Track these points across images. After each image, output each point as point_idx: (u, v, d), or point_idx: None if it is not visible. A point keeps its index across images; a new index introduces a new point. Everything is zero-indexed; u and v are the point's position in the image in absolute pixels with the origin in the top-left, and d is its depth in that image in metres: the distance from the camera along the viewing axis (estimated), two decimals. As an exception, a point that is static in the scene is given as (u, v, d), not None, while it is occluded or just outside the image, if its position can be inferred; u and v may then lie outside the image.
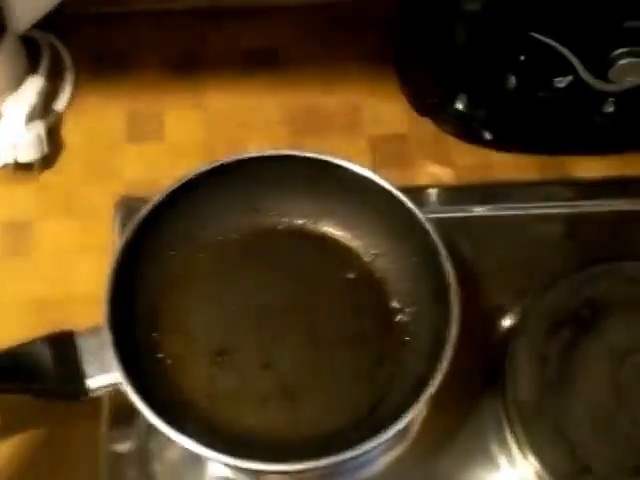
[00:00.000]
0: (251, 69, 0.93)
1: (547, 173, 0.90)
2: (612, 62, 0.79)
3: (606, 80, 0.80)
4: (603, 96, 0.83)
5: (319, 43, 0.96)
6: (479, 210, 0.88)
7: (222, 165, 0.77)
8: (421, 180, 0.89)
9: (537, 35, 0.77)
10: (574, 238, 0.88)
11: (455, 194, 0.89)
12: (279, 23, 0.97)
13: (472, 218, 0.87)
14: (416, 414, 0.66)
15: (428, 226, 0.74)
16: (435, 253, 0.73)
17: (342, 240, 0.81)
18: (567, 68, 0.80)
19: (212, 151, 0.87)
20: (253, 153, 0.78)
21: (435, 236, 0.74)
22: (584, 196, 0.89)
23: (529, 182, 0.90)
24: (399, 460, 0.73)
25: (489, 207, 0.88)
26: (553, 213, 0.88)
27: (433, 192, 0.89)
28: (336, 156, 0.78)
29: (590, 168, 0.91)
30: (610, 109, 0.83)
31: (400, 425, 0.66)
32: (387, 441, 0.66)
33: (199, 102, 0.91)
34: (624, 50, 0.78)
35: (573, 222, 0.88)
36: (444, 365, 0.67)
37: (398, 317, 0.77)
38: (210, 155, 0.86)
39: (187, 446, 0.64)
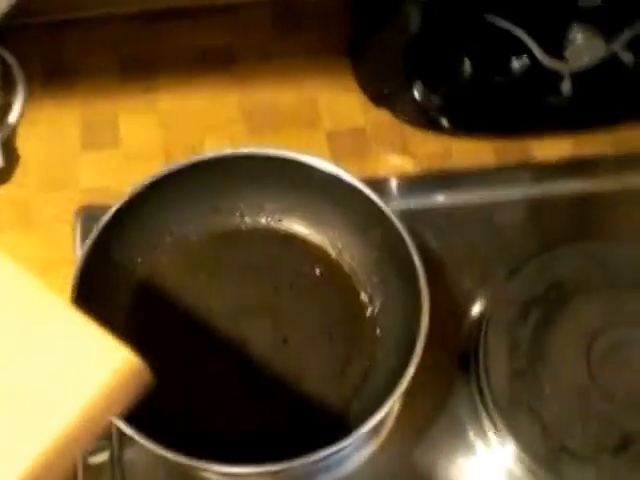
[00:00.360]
0: (203, 68, 0.92)
1: (506, 157, 0.90)
2: (568, 42, 0.79)
3: (562, 60, 0.80)
4: (559, 76, 0.83)
5: (270, 39, 0.95)
6: (440, 199, 0.87)
7: (182, 167, 0.76)
8: (381, 171, 0.89)
9: (491, 18, 0.77)
10: (535, 221, 0.88)
11: (416, 184, 0.89)
12: (229, 21, 0.96)
13: (434, 207, 0.87)
14: (391, 407, 0.66)
15: (393, 217, 0.74)
16: (401, 243, 0.73)
17: (307, 236, 0.81)
18: (523, 50, 0.80)
19: (170, 154, 0.86)
20: (212, 154, 0.77)
21: (400, 226, 0.74)
22: (543, 179, 0.90)
23: (489, 168, 0.89)
24: (377, 452, 0.73)
25: (450, 195, 0.88)
26: (513, 197, 0.88)
27: (394, 183, 0.88)
28: (296, 152, 0.77)
29: (549, 149, 0.91)
30: (566, 89, 0.83)
31: (374, 421, 0.65)
32: (363, 436, 0.66)
33: (153, 105, 0.90)
34: (579, 29, 0.79)
35: (534, 205, 0.88)
36: (416, 358, 0.67)
37: (368, 310, 0.77)
38: (168, 158, 0.86)
39: (161, 453, 0.64)
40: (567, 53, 0.79)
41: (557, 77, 0.83)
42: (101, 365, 0.44)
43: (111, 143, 0.87)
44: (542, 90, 0.85)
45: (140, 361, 0.45)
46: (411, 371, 0.66)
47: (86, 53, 0.91)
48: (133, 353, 0.45)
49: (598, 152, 0.91)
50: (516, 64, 0.82)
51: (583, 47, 0.78)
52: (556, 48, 0.80)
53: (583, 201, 0.89)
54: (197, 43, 0.93)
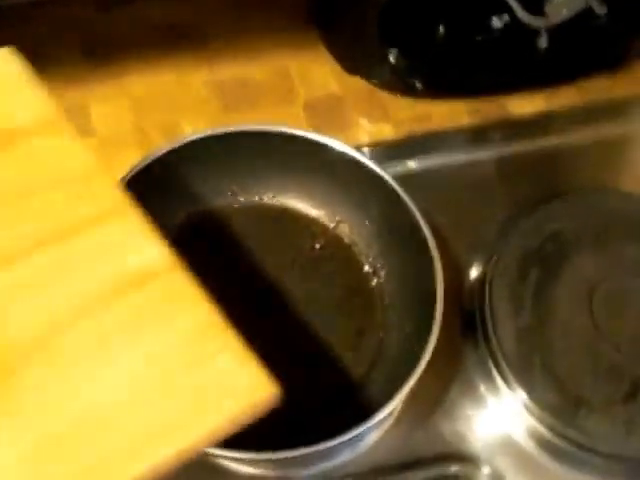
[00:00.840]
0: (171, 48, 0.88)
1: (483, 116, 0.90)
2: (549, -3, 0.79)
3: (541, 16, 0.80)
4: (537, 31, 0.82)
5: (236, 14, 0.91)
6: (423, 162, 0.87)
7: (168, 152, 0.73)
8: (361, 139, 0.88)
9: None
10: (517, 177, 0.88)
11: (397, 149, 0.88)
12: (191, -1, 0.93)
13: (418, 171, 0.87)
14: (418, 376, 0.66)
15: (391, 182, 0.73)
16: (402, 208, 0.72)
17: (304, 211, 0.79)
18: (503, 7, 0.79)
19: (146, 138, 0.83)
20: (197, 134, 0.74)
21: (400, 191, 0.73)
22: (520, 135, 0.90)
23: (467, 127, 0.90)
24: (397, 421, 0.73)
25: (432, 158, 0.87)
26: (494, 155, 0.89)
27: (373, 150, 0.87)
28: (282, 125, 0.76)
29: (524, 105, 0.91)
30: (544, 44, 0.83)
31: (403, 394, 0.65)
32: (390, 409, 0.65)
33: (123, 89, 0.86)
34: (560, -18, 0.79)
35: (514, 161, 0.89)
36: (437, 323, 0.67)
37: (374, 281, 0.77)
38: (145, 143, 0.83)
39: None
40: (547, 8, 0.79)
41: (534, 33, 0.83)
42: (244, 396, 0.44)
43: (84, 132, 0.83)
44: (520, 46, 0.85)
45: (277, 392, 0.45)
46: (434, 338, 0.66)
47: (49, 39, 0.87)
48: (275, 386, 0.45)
49: (569, 105, 0.92)
50: (493, 23, 0.81)
51: (563, 1, 0.79)
52: (535, 4, 0.80)
53: (557, 153, 0.90)
54: (161, 23, 0.89)
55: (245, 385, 0.45)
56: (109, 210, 0.48)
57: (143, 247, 0.47)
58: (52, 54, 0.86)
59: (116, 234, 0.47)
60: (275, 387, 0.45)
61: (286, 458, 0.67)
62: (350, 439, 0.64)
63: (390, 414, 0.72)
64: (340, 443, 0.64)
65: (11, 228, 0.45)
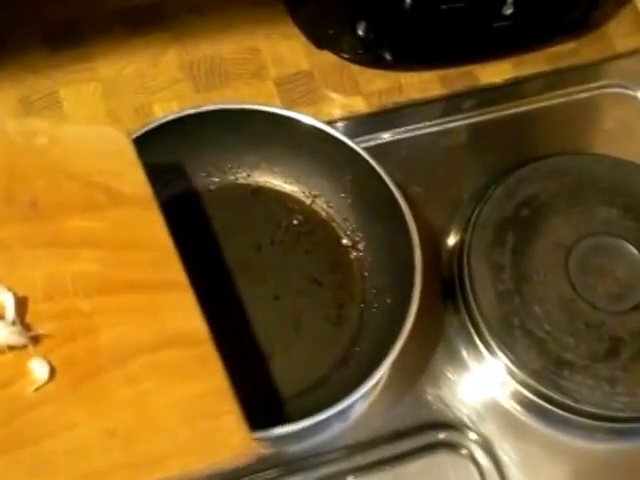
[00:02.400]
0: (138, 29, 0.88)
1: (453, 85, 0.91)
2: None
3: (508, -19, 0.81)
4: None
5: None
6: (396, 133, 0.87)
7: (140, 135, 0.72)
8: (334, 113, 0.88)
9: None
10: (488, 144, 0.89)
11: (367, 122, 0.88)
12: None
13: (391, 142, 0.87)
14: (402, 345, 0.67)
15: (365, 155, 0.74)
16: (377, 180, 0.73)
17: (279, 188, 0.80)
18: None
19: (119, 121, 0.82)
20: (169, 116, 0.74)
21: (374, 163, 0.74)
22: (490, 102, 0.91)
23: (438, 97, 0.90)
24: (383, 390, 0.74)
25: (405, 129, 0.88)
26: (464, 123, 0.90)
27: (346, 124, 0.87)
28: (252, 103, 0.76)
29: (492, 73, 0.92)
30: (509, 11, 0.84)
31: (386, 365, 0.66)
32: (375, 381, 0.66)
33: (92, 73, 0.85)
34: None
35: (484, 129, 0.90)
36: (417, 293, 0.68)
37: (353, 254, 0.77)
38: (117, 126, 0.82)
39: None
40: (513, -27, 0.79)
41: (498, 1, 0.83)
42: (235, 449, 0.57)
43: (55, 118, 0.83)
44: (484, 16, 0.85)
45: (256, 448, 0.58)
46: (415, 307, 0.67)
47: (12, 27, 0.86)
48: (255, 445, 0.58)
49: (537, 71, 0.93)
50: (460, -10, 0.81)
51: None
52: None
53: (527, 119, 0.91)
54: (122, 4, 0.89)
55: (238, 442, 0.57)
56: (174, 281, 0.62)
57: (190, 317, 0.60)
58: (16, 41, 0.85)
59: (174, 300, 0.61)
60: (255, 446, 0.58)
61: (276, 435, 0.68)
62: (339, 411, 0.65)
63: (376, 385, 0.73)
64: (329, 416, 0.65)
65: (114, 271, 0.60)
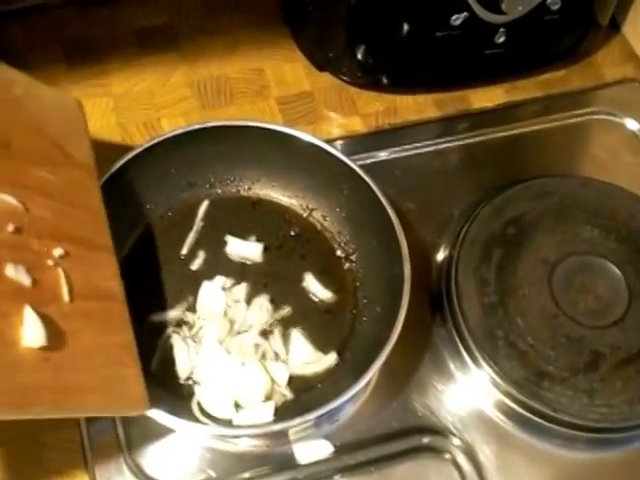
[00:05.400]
0: (149, 48, 0.93)
1: (446, 108, 0.95)
2: (504, -6, 0.84)
3: (499, 12, 0.85)
4: (495, 27, 0.87)
5: (206, 15, 0.96)
6: (390, 153, 0.91)
7: (148, 147, 0.77)
8: (333, 132, 0.92)
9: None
10: (479, 165, 0.93)
11: (366, 141, 0.92)
12: (162, 1, 0.97)
13: (385, 161, 0.91)
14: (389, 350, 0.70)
15: (360, 172, 0.78)
16: (370, 196, 0.77)
17: (278, 200, 0.84)
18: (462, 6, 0.84)
19: (129, 136, 0.87)
20: (176, 131, 0.78)
21: (369, 180, 0.78)
22: (481, 126, 0.95)
23: (431, 119, 0.94)
24: (371, 395, 0.77)
25: (398, 149, 0.92)
26: (456, 145, 0.94)
27: (343, 142, 0.92)
28: (255, 120, 0.80)
29: (485, 98, 0.96)
30: (502, 39, 0.88)
31: (373, 370, 0.69)
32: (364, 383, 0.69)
33: (106, 89, 0.90)
34: (514, -20, 0.83)
35: (475, 150, 0.94)
36: (405, 304, 0.71)
37: (346, 265, 0.81)
38: (127, 139, 0.87)
39: (172, 423, 0.67)
40: (504, 5, 0.84)
41: (492, 28, 0.87)
42: (130, 397, 0.66)
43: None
44: (479, 42, 0.89)
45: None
46: (401, 318, 0.71)
47: (29, 45, 0.91)
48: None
49: (528, 97, 0.98)
50: (456, 19, 0.85)
51: (518, -2, 0.83)
52: (493, 2, 0.84)
53: (518, 143, 0.95)
54: (136, 25, 0.94)
55: (136, 394, 0.65)
56: (103, 244, 0.71)
57: (112, 277, 0.69)
58: (34, 58, 0.90)
59: (102, 260, 0.69)
60: (147, 404, 0.66)
61: (268, 433, 0.72)
62: (328, 412, 0.69)
63: (365, 389, 0.77)
64: (319, 417, 0.69)
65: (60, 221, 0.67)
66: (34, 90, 0.73)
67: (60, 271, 0.63)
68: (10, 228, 0.61)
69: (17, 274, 0.59)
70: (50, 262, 0.63)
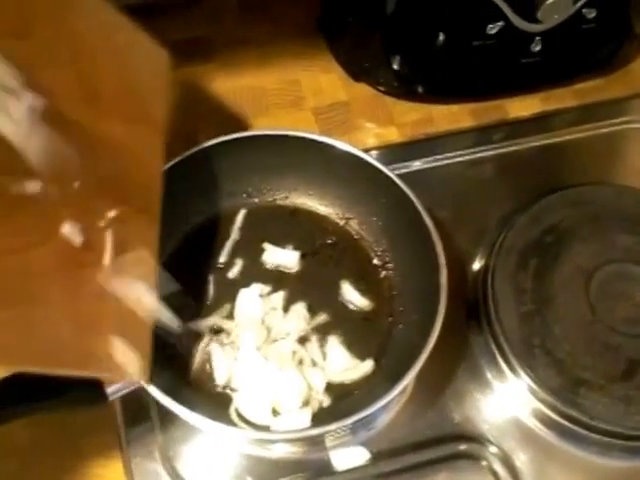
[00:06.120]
0: (188, 60, 0.93)
1: (482, 118, 0.96)
2: (539, 3, 0.84)
3: (534, 21, 0.85)
4: (531, 36, 0.88)
5: (242, 26, 0.97)
6: (426, 162, 0.92)
7: (186, 157, 0.78)
8: (367, 142, 0.93)
9: (470, -14, 0.81)
10: (514, 174, 0.93)
11: (402, 150, 0.93)
12: (197, 14, 0.98)
13: (422, 170, 0.92)
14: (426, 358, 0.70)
15: (398, 181, 0.79)
16: (408, 205, 0.78)
17: (315, 209, 0.84)
18: (498, 15, 0.84)
19: (168, 144, 0.87)
20: (213, 140, 0.79)
21: (407, 189, 0.78)
22: (517, 135, 0.95)
23: (467, 129, 0.95)
24: (407, 403, 0.77)
25: (435, 158, 0.93)
26: (492, 154, 0.94)
27: (379, 152, 0.92)
28: (292, 130, 0.81)
29: (521, 107, 0.97)
30: (537, 48, 0.89)
31: (410, 376, 0.69)
32: (400, 390, 0.69)
33: (144, 100, 0.91)
34: (550, -11, 0.84)
35: (510, 160, 0.94)
36: (441, 312, 0.72)
37: (382, 273, 0.82)
38: (168, 149, 0.87)
39: (211, 428, 0.68)
40: (540, 14, 0.84)
41: (528, 37, 0.88)
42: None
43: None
44: (514, 51, 0.90)
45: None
46: (438, 326, 0.71)
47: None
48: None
49: (565, 106, 0.98)
50: (492, 29, 0.86)
51: (554, 7, 0.83)
52: (529, 10, 0.85)
53: (554, 152, 0.95)
54: (172, 37, 0.94)
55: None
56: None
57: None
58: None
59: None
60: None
61: (305, 439, 0.73)
62: (364, 419, 0.69)
63: (401, 396, 0.77)
64: (355, 423, 0.69)
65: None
66: (134, 39, 0.69)
67: (109, 234, 0.61)
68: (76, 184, 0.59)
69: (72, 233, 0.57)
70: (102, 223, 0.61)
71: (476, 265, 0.86)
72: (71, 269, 0.57)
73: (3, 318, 0.52)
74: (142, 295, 0.64)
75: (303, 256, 0.81)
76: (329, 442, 0.74)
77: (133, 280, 0.63)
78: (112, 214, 0.61)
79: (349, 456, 0.73)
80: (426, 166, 0.92)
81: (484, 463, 0.75)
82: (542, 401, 0.77)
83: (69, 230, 0.57)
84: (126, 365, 0.63)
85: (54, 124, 0.56)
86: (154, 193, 0.68)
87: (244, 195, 0.84)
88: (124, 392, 0.68)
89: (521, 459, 0.76)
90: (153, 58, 0.73)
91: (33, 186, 0.54)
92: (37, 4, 0.57)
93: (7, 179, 0.53)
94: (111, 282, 0.61)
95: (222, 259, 0.81)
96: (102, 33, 0.64)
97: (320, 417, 0.72)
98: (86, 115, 0.60)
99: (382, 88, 0.95)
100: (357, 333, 0.78)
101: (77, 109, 0.59)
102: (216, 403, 0.73)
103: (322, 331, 0.78)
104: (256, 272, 0.81)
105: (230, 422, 0.71)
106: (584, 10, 0.86)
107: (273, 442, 0.74)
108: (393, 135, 0.94)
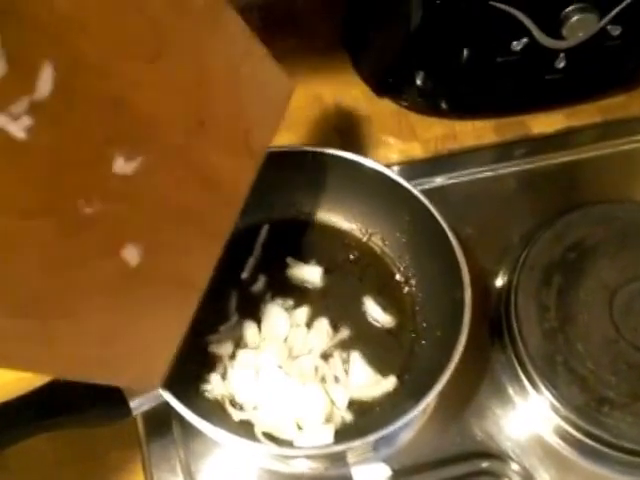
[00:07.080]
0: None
1: (505, 134, 0.96)
2: (564, 20, 0.84)
3: (559, 38, 0.85)
4: (555, 53, 0.88)
5: (271, 40, 0.96)
6: (449, 178, 0.92)
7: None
8: (390, 157, 0.93)
9: (495, 3, 0.81)
10: (538, 190, 0.93)
11: (425, 166, 0.93)
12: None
13: (445, 186, 0.92)
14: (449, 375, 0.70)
15: (421, 197, 0.78)
16: (431, 221, 0.77)
17: (338, 225, 0.85)
18: (522, 31, 0.84)
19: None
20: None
21: (430, 205, 0.78)
22: (541, 151, 0.95)
23: (490, 145, 0.95)
24: (430, 420, 0.77)
25: (458, 174, 0.93)
26: (515, 170, 0.94)
27: (403, 167, 0.93)
28: (316, 146, 0.81)
29: (544, 123, 0.97)
30: (562, 64, 0.89)
31: (434, 393, 0.69)
32: (423, 407, 0.69)
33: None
34: (574, 7, 0.83)
35: (534, 176, 0.94)
36: (465, 329, 0.71)
37: (405, 289, 0.82)
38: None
39: (234, 444, 0.68)
40: (564, 31, 0.84)
41: (552, 54, 0.88)
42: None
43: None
44: (539, 67, 0.90)
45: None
46: (462, 343, 0.70)
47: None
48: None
49: (588, 122, 0.98)
50: (517, 45, 0.86)
51: (578, 24, 0.83)
52: (554, 27, 0.84)
53: (577, 168, 0.95)
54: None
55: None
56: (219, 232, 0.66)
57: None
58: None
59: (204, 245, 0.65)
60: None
61: (328, 455, 0.73)
62: (387, 435, 0.68)
63: (424, 413, 0.77)
64: (377, 440, 0.68)
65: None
66: (260, 69, 0.65)
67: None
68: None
69: (131, 254, 0.54)
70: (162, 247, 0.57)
71: (499, 282, 0.85)
72: (118, 288, 0.55)
73: (39, 328, 0.50)
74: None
75: (326, 271, 0.81)
76: (351, 458, 0.74)
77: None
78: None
79: (370, 472, 0.73)
80: (449, 182, 0.92)
81: (506, 481, 0.76)
82: (565, 419, 0.77)
83: (130, 251, 0.54)
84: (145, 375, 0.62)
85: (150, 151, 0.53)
86: (226, 220, 0.65)
87: (267, 210, 0.84)
88: (147, 407, 0.68)
89: (543, 477, 0.75)
90: (275, 87, 0.70)
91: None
92: (176, 28, 0.52)
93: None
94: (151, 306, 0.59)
95: (245, 274, 0.81)
96: (229, 64, 0.60)
97: (342, 433, 0.72)
98: (186, 144, 0.57)
99: (405, 104, 0.95)
100: (380, 349, 0.78)
101: (177, 137, 0.56)
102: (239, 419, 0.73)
103: (345, 347, 0.78)
104: (280, 287, 0.81)
105: (253, 438, 0.71)
106: (609, 27, 0.86)
107: (295, 458, 0.74)
108: (416, 151, 0.94)
